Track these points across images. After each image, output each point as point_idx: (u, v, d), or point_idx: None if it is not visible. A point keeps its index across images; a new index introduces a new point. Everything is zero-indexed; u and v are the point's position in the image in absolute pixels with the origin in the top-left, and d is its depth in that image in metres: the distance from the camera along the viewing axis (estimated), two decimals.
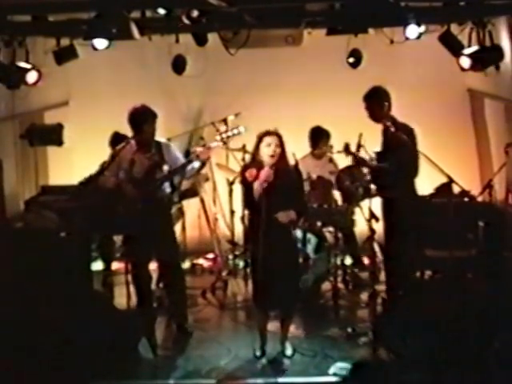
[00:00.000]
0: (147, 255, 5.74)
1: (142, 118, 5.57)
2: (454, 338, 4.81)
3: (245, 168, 5.10)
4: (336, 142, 6.73)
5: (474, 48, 6.50)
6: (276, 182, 4.91)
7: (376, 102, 5.84)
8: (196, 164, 5.63)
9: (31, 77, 6.68)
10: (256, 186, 4.91)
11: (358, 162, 5.91)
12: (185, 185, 6.65)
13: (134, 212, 5.50)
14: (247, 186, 4.99)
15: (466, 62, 6.58)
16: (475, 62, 6.46)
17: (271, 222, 4.87)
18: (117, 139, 6.88)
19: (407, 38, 6.79)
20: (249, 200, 5.04)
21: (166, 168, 5.60)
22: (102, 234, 6.87)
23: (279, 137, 4.99)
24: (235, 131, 5.60)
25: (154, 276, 6.14)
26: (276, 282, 4.94)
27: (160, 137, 5.83)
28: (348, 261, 7.05)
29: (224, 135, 5.59)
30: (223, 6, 5.69)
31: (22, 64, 6.66)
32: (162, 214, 5.66)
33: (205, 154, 5.56)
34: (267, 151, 4.95)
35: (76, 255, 5.77)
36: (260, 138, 5.01)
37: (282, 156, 4.99)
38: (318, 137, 7.15)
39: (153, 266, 6.05)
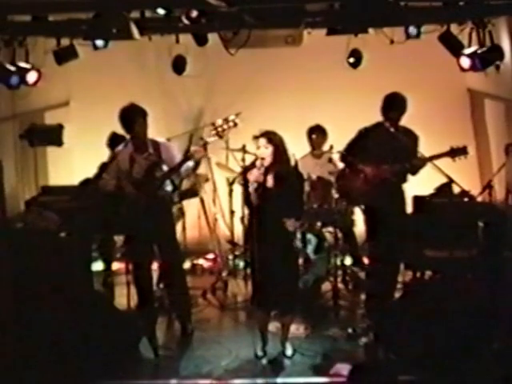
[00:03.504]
0: (149, 255, 5.74)
1: (131, 117, 5.57)
2: (453, 337, 4.81)
3: (246, 169, 5.10)
4: (336, 142, 6.73)
5: (474, 48, 6.50)
6: (272, 184, 4.91)
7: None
8: (190, 163, 5.60)
9: (31, 77, 6.69)
10: (251, 187, 4.94)
11: None
12: (185, 185, 6.66)
13: (136, 212, 5.50)
14: (245, 187, 5.01)
15: (465, 62, 6.58)
16: (475, 62, 6.46)
17: (266, 223, 4.87)
18: (114, 140, 6.88)
19: (407, 38, 6.80)
20: (247, 201, 5.06)
21: (165, 167, 5.60)
22: (104, 234, 6.86)
23: (270, 138, 4.97)
24: (231, 123, 5.41)
25: (155, 276, 6.13)
26: (276, 282, 4.94)
27: (160, 137, 5.84)
28: (348, 261, 7.05)
29: (219, 128, 5.43)
30: (223, 6, 5.69)
31: (22, 64, 6.65)
32: (163, 213, 5.66)
33: (199, 152, 5.51)
34: (259, 153, 4.97)
35: (76, 255, 5.77)
36: (256, 140, 5.04)
37: (276, 157, 4.97)
38: (314, 134, 7.20)
39: (153, 266, 6.05)
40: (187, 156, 5.54)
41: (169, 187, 5.69)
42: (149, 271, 5.79)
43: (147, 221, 5.48)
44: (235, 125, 5.39)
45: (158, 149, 5.63)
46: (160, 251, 5.76)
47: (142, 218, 5.48)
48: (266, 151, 4.94)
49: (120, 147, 5.73)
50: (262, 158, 4.95)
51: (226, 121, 5.37)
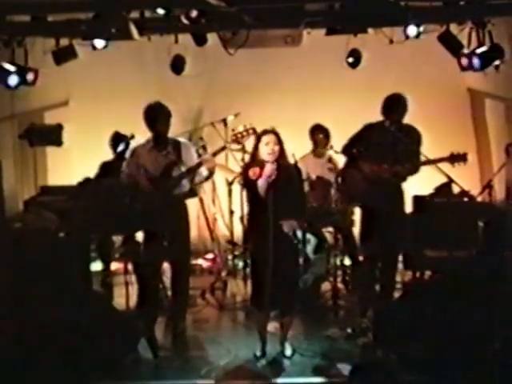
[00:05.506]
0: (162, 253, 5.73)
1: (155, 116, 5.60)
2: (453, 338, 4.80)
3: (247, 167, 5.08)
4: (335, 142, 6.72)
5: (474, 48, 6.49)
6: (278, 179, 4.92)
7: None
8: (204, 173, 5.63)
9: (30, 77, 6.69)
10: (261, 183, 4.92)
11: None
12: None
13: (151, 209, 5.51)
14: (250, 185, 4.99)
15: (465, 61, 6.57)
16: (475, 61, 6.46)
17: (277, 219, 4.87)
18: (117, 139, 6.89)
19: (407, 38, 6.79)
20: (253, 198, 5.04)
21: (182, 168, 5.60)
22: (113, 232, 6.85)
23: (276, 135, 5.01)
24: (250, 131, 5.30)
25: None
26: (277, 281, 4.92)
27: None
28: (347, 261, 7.04)
29: (239, 135, 5.34)
30: (222, 6, 5.69)
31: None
32: (178, 211, 5.66)
33: (210, 162, 5.53)
34: (266, 150, 4.97)
35: (75, 255, 5.76)
36: (258, 138, 5.04)
37: (281, 153, 5.01)
38: (317, 133, 7.19)
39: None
40: (202, 159, 5.56)
41: (187, 186, 5.70)
42: (157, 270, 5.74)
43: (161, 218, 5.47)
44: (255, 132, 5.31)
45: (179, 148, 5.64)
46: (170, 249, 5.74)
47: (156, 214, 5.48)
48: (276, 148, 4.96)
49: (141, 143, 5.76)
50: (271, 154, 4.95)
51: (246, 128, 5.36)
